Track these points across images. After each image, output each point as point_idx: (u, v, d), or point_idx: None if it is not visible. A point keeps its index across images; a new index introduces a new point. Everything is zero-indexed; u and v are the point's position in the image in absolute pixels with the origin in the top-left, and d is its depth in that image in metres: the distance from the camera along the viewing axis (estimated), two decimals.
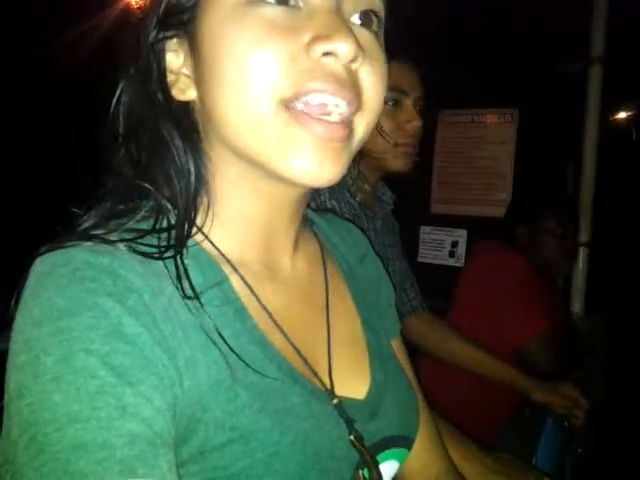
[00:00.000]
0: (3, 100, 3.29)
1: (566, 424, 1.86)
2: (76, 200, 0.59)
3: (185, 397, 0.50)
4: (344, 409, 0.62)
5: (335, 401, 0.62)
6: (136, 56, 0.59)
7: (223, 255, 0.60)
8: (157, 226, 0.57)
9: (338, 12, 0.56)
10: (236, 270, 0.60)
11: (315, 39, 0.54)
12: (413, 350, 1.96)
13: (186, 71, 0.59)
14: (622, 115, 3.37)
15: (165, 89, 0.59)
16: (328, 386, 0.63)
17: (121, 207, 0.59)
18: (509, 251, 2.13)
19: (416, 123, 1.49)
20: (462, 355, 1.86)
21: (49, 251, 0.52)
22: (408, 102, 1.48)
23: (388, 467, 0.68)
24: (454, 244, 3.20)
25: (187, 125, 0.60)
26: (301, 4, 0.55)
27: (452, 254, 3.22)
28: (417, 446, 0.77)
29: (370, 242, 0.89)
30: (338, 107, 0.55)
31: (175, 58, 0.60)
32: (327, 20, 0.54)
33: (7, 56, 3.36)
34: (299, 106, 0.54)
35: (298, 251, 0.70)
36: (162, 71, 0.59)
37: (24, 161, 3.64)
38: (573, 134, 2.64)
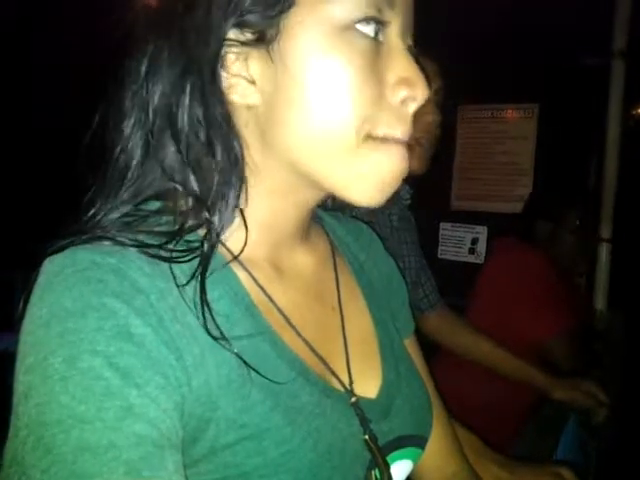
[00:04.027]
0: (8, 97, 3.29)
1: (587, 421, 1.85)
2: (85, 197, 0.59)
3: (194, 397, 0.50)
4: (361, 408, 0.62)
5: (354, 399, 0.62)
6: (191, 56, 0.55)
7: (233, 255, 0.59)
8: (184, 230, 0.56)
9: (409, 49, 0.58)
10: (246, 269, 0.60)
11: (400, 83, 0.56)
12: (431, 348, 1.97)
13: (246, 75, 0.56)
14: None
15: (221, 90, 0.56)
16: (346, 383, 0.64)
17: (142, 207, 0.58)
18: (529, 249, 2.10)
19: (429, 117, 1.41)
20: (480, 352, 1.85)
21: (58, 251, 0.52)
22: None
23: (401, 467, 0.68)
24: (474, 241, 3.18)
25: (236, 131, 0.58)
26: (381, 38, 0.56)
27: (472, 251, 3.20)
28: (432, 445, 0.76)
29: (383, 240, 0.87)
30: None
31: (236, 60, 0.56)
32: (406, 62, 0.57)
33: (9, 50, 3.35)
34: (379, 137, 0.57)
35: (307, 248, 0.70)
36: (219, 73, 0.56)
37: (35, 157, 3.64)
38: (595, 129, 2.61)
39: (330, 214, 0.80)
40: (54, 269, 0.51)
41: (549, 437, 1.61)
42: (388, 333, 0.75)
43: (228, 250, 0.59)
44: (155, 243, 0.54)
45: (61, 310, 0.47)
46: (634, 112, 3.01)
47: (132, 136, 0.58)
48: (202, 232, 0.57)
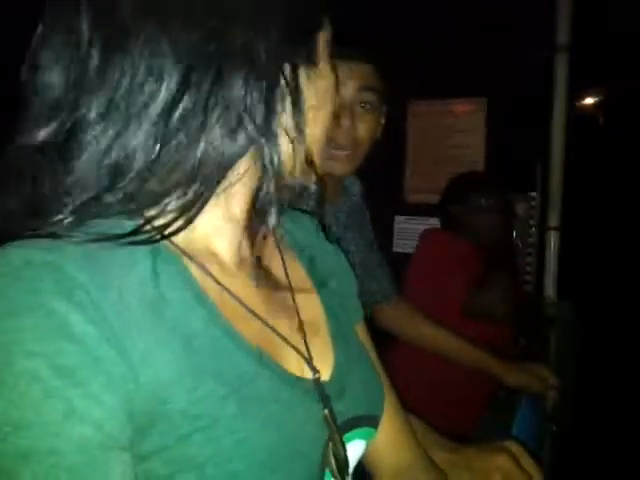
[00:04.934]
0: None
1: (541, 403, 1.90)
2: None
3: (141, 393, 0.49)
4: (323, 386, 0.64)
5: (317, 375, 0.64)
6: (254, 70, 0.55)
7: (177, 246, 0.58)
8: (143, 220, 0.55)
9: None
10: (195, 260, 0.59)
11: None
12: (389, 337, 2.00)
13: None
14: (590, 101, 3.41)
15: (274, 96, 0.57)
16: (306, 366, 0.65)
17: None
18: (437, 233, 2.35)
19: (346, 123, 1.38)
20: (434, 340, 1.88)
21: None
22: (341, 99, 1.37)
23: (355, 447, 0.69)
24: None
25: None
26: None
27: None
28: (385, 431, 0.78)
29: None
30: None
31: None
32: None
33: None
34: None
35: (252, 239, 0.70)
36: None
37: None
38: (542, 121, 2.67)
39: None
40: None
41: (504, 422, 1.65)
42: (338, 319, 0.76)
43: (172, 243, 0.58)
44: (100, 233, 0.52)
45: None
46: (579, 104, 3.09)
47: (143, 142, 0.53)
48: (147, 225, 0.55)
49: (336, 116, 1.37)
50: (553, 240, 2.66)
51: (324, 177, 1.42)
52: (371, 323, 1.81)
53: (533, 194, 2.92)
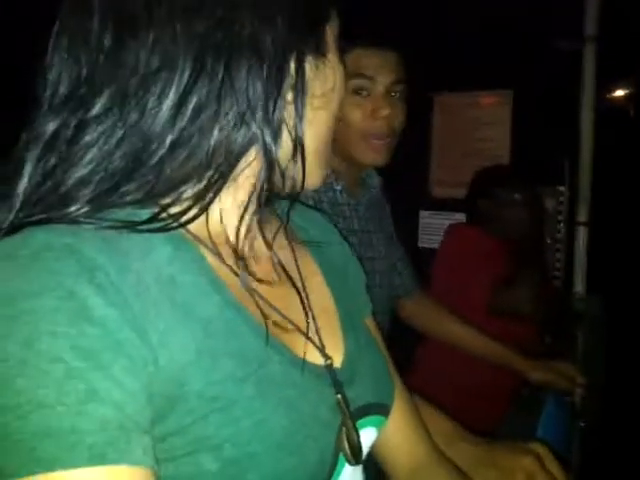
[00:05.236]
0: None
1: (568, 400, 1.88)
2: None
3: (160, 375, 0.49)
4: (335, 372, 0.65)
5: (329, 362, 0.65)
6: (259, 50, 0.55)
7: (191, 234, 0.59)
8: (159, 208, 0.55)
9: None
10: (208, 247, 0.60)
11: None
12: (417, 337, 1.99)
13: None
14: (619, 93, 3.34)
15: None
16: (318, 353, 0.65)
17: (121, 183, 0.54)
18: (464, 227, 2.33)
19: (385, 112, 1.39)
20: (457, 336, 1.87)
21: (7, 234, 0.51)
22: (378, 88, 1.40)
23: (367, 434, 0.70)
24: None
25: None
26: None
27: None
28: (397, 422, 0.80)
29: (337, 228, 0.89)
30: None
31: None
32: None
33: None
34: None
35: (264, 229, 0.70)
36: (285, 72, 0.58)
37: None
38: (570, 114, 2.63)
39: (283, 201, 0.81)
40: (5, 252, 0.49)
41: (529, 418, 1.63)
42: (347, 308, 0.77)
43: (188, 231, 0.59)
44: (117, 220, 0.53)
45: (16, 291, 0.46)
46: (608, 96, 3.03)
47: (168, 131, 0.54)
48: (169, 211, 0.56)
49: (372, 108, 1.39)
50: (582, 235, 2.62)
51: (343, 169, 1.44)
52: (397, 319, 1.81)
53: (561, 189, 2.88)
